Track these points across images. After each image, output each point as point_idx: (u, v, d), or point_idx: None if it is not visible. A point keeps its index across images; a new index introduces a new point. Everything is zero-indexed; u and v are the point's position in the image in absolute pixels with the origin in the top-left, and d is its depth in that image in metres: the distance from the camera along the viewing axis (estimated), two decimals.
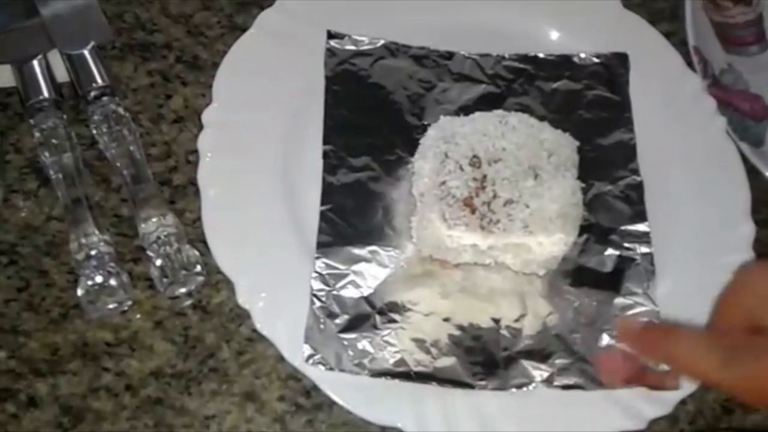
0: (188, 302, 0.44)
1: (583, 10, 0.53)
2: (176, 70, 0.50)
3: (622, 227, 0.46)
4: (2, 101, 0.47)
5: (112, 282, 0.42)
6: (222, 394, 0.42)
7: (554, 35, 0.52)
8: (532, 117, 0.46)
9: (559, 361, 0.42)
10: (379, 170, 0.46)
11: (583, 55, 0.51)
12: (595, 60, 0.51)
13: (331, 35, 0.49)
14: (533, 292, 0.44)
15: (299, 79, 0.48)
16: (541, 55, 0.51)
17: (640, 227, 0.46)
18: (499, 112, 0.46)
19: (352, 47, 0.49)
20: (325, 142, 0.47)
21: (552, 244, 0.43)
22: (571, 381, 0.42)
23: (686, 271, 0.46)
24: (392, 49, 0.50)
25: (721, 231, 0.47)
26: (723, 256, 0.46)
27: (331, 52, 0.49)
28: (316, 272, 0.43)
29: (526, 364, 0.42)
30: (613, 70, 0.51)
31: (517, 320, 0.43)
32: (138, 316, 0.43)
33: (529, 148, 0.44)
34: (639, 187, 0.48)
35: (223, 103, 0.47)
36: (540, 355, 0.42)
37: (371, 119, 0.48)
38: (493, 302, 0.44)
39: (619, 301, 0.44)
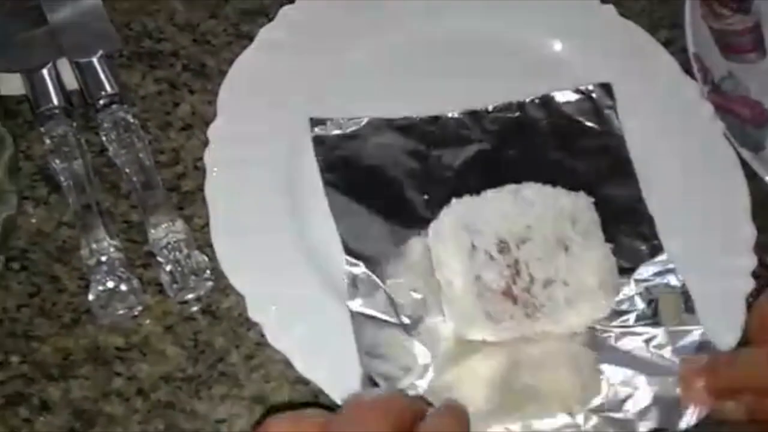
0: (197, 307, 0.44)
1: (581, 20, 0.54)
2: (183, 78, 0.51)
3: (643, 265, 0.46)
4: (12, 109, 0.48)
5: (123, 287, 0.43)
6: (232, 398, 0.42)
7: (554, 45, 0.53)
8: (545, 185, 0.45)
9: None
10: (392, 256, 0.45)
11: (564, 96, 0.51)
12: (579, 96, 0.51)
13: (314, 122, 0.48)
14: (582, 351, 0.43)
15: (303, 91, 0.49)
16: (526, 100, 0.50)
17: (660, 258, 0.46)
18: (511, 187, 0.45)
19: (338, 131, 0.48)
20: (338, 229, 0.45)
21: (596, 310, 0.42)
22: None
23: (687, 277, 0.46)
24: (377, 125, 0.48)
25: (722, 235, 0.48)
26: (725, 261, 0.46)
27: (318, 140, 0.48)
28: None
29: None
30: (598, 102, 0.51)
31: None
32: (148, 321, 0.44)
33: (551, 220, 0.43)
34: (651, 222, 0.47)
35: (228, 118, 0.47)
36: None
37: (372, 202, 0.46)
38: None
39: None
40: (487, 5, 0.53)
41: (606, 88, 0.51)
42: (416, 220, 0.46)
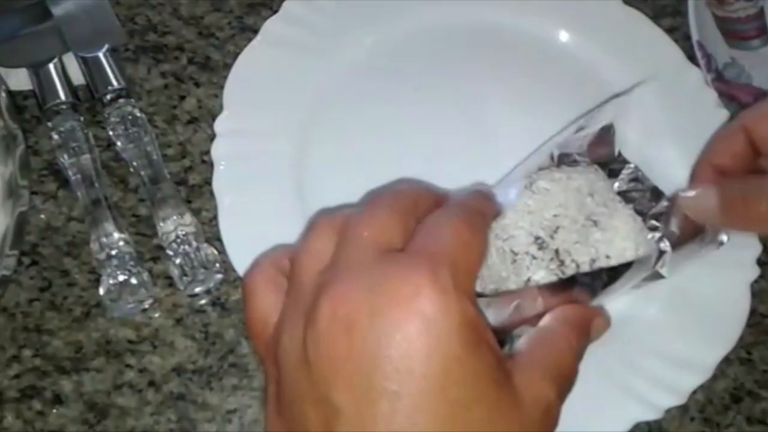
0: (207, 299, 0.45)
1: (584, 8, 0.54)
2: (189, 72, 0.51)
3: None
4: (19, 104, 0.48)
5: (133, 281, 0.43)
6: (242, 389, 0.43)
7: (558, 34, 0.53)
8: (552, 171, 0.44)
9: None
10: None
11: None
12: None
13: None
14: None
15: (308, 84, 0.49)
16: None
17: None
18: (521, 183, 0.44)
19: None
20: None
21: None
22: None
23: (692, 265, 0.46)
24: None
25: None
26: (729, 249, 0.46)
27: None
28: None
29: None
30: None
31: None
32: (159, 313, 0.44)
33: (572, 201, 0.42)
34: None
35: (234, 111, 0.47)
36: None
37: None
38: None
39: None
40: None
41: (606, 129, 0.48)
42: None
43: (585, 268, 0.41)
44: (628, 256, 0.41)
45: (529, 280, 0.40)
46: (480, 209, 0.36)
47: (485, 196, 0.39)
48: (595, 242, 0.42)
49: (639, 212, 0.43)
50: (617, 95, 0.50)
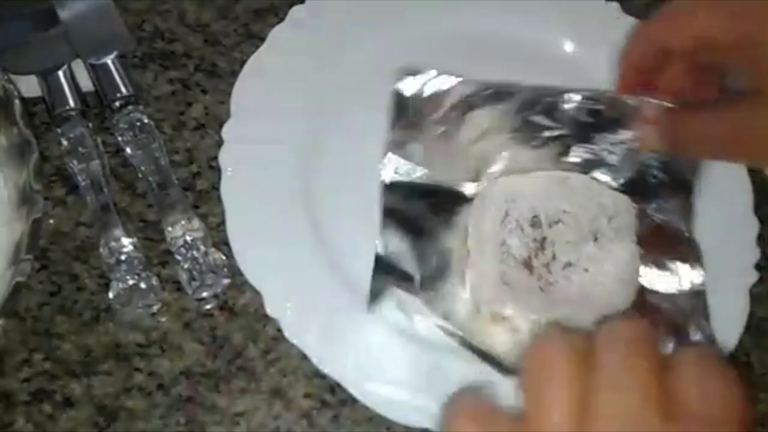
0: (215, 304, 0.45)
1: (586, 19, 0.54)
2: (196, 78, 0.51)
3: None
4: (29, 111, 0.48)
5: (142, 285, 0.44)
6: (250, 392, 0.44)
7: (558, 43, 0.54)
8: (594, 180, 0.46)
9: None
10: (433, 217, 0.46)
11: None
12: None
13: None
14: None
15: (315, 90, 0.50)
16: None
17: None
18: (561, 174, 0.46)
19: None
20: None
21: (607, 308, 0.43)
22: None
23: None
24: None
25: (725, 228, 0.48)
26: (728, 254, 0.47)
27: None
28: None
29: None
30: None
31: None
32: (167, 317, 0.45)
33: (590, 211, 0.44)
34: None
35: (242, 118, 0.48)
36: None
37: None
38: None
39: None
40: (494, 5, 0.54)
41: None
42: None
43: (557, 266, 0.42)
44: (604, 282, 0.43)
45: (504, 242, 0.43)
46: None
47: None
48: (583, 252, 0.43)
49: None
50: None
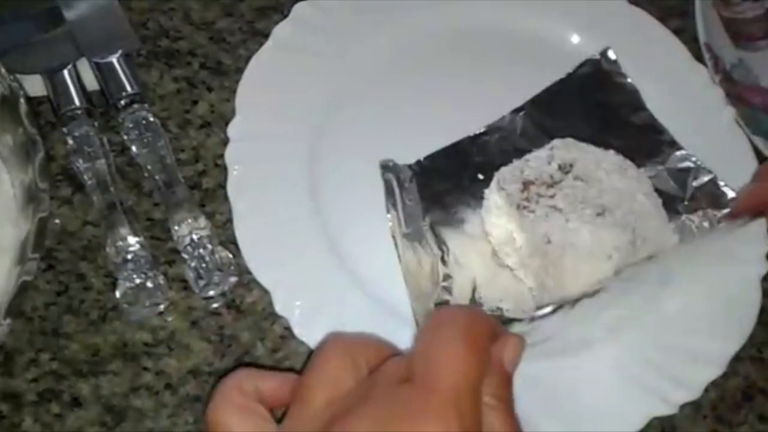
0: (222, 302, 0.45)
1: (592, 11, 0.54)
2: (201, 76, 0.51)
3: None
4: (34, 110, 0.48)
5: (149, 284, 0.43)
6: None
7: (566, 35, 0.53)
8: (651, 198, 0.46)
9: None
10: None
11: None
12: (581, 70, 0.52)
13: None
14: None
15: (320, 87, 0.50)
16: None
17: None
18: (628, 163, 0.47)
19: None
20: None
21: (583, 275, 0.43)
22: None
23: (701, 262, 0.47)
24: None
25: (734, 222, 0.48)
26: (738, 246, 0.47)
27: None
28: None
29: None
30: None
31: None
32: (174, 316, 0.44)
33: (618, 200, 0.44)
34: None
35: (247, 116, 0.48)
36: None
37: None
38: None
39: None
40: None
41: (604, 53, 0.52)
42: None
43: (547, 203, 0.43)
44: (583, 245, 0.42)
45: (528, 161, 0.45)
46: (475, 325, 0.34)
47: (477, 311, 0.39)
48: (584, 213, 0.43)
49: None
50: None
